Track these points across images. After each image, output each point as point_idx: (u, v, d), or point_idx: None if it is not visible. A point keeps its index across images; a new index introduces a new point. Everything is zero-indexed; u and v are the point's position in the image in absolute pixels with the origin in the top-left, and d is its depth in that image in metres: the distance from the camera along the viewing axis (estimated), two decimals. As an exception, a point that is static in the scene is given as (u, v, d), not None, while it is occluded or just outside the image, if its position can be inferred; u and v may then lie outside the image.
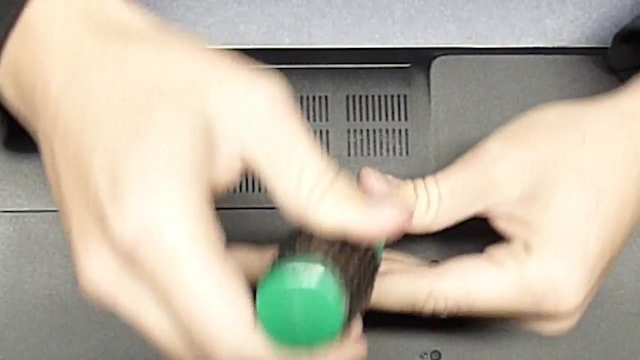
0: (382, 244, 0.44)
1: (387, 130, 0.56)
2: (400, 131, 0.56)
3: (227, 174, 0.40)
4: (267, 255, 0.46)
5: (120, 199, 0.37)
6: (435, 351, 0.55)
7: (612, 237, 0.47)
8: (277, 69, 0.56)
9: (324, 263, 0.38)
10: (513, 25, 0.58)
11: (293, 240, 0.40)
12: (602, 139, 0.47)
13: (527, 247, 0.47)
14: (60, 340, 0.55)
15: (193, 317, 0.37)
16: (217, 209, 0.55)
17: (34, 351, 0.55)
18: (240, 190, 0.55)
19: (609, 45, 0.56)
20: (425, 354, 0.56)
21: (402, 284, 0.47)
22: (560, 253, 0.46)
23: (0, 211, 0.55)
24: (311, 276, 0.38)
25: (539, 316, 0.47)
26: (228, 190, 0.41)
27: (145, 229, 0.37)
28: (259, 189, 0.55)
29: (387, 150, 0.56)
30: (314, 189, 0.39)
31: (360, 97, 0.56)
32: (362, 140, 0.56)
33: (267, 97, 0.39)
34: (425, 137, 0.56)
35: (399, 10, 0.58)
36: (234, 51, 0.56)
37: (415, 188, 0.47)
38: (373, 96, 0.56)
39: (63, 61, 0.40)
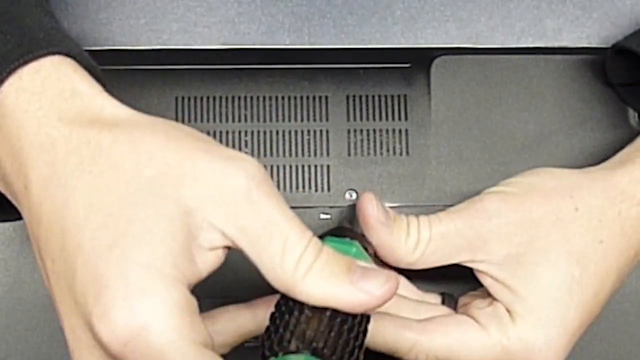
0: None
1: (387, 130, 0.56)
2: (400, 131, 0.56)
3: (210, 257, 0.40)
4: (259, 311, 0.47)
5: (104, 304, 0.37)
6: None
7: (591, 308, 0.49)
8: (277, 69, 0.56)
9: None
10: (513, 25, 0.58)
11: (276, 326, 0.41)
12: (592, 215, 0.49)
13: (511, 313, 0.48)
14: (60, 340, 0.54)
15: None
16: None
17: (34, 351, 0.54)
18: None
19: (609, 46, 0.56)
20: (426, 353, 0.56)
21: (387, 331, 0.48)
22: (542, 322, 0.48)
23: (0, 211, 0.55)
24: None
25: None
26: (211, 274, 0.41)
27: (131, 332, 0.37)
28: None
29: (387, 150, 0.56)
30: (298, 264, 0.39)
31: (360, 97, 0.56)
32: (362, 140, 0.56)
33: (243, 179, 0.39)
34: (425, 137, 0.56)
35: (399, 10, 0.58)
36: (234, 51, 0.56)
37: (408, 225, 0.49)
38: (373, 96, 0.56)
39: (39, 152, 0.40)
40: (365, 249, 0.47)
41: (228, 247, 0.41)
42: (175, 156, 0.39)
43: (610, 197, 0.49)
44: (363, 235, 0.49)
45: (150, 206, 0.38)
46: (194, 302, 0.39)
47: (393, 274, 0.40)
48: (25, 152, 0.40)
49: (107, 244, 0.38)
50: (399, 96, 0.56)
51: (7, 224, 0.55)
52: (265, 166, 0.55)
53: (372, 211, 0.48)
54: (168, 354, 0.37)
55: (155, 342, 0.37)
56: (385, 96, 0.56)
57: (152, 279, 0.38)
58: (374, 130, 0.56)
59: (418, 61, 0.56)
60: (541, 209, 0.49)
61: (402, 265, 0.49)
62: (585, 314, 0.48)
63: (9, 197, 0.43)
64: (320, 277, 0.39)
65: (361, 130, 0.56)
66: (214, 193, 0.39)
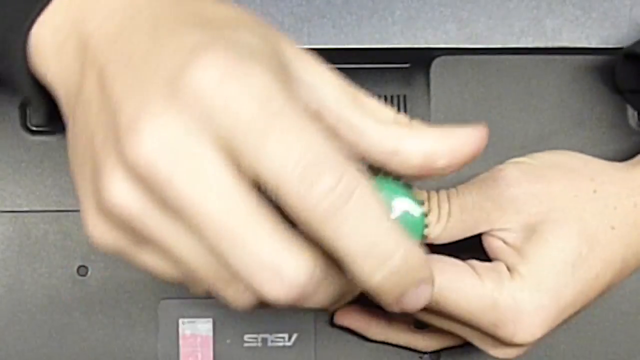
0: None
1: (387, 130, 0.56)
2: (400, 131, 0.56)
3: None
4: None
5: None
6: (435, 351, 0.56)
7: (588, 290, 0.48)
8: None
9: None
10: (513, 25, 0.58)
11: None
12: (609, 201, 0.49)
13: (512, 273, 0.48)
14: (60, 340, 0.55)
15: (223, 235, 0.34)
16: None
17: (34, 351, 0.55)
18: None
19: (608, 46, 0.56)
20: (425, 353, 0.56)
21: None
22: (539, 288, 0.47)
23: (1, 211, 0.55)
24: None
25: (491, 337, 0.48)
26: None
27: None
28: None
29: (387, 150, 0.56)
30: (396, 124, 0.39)
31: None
32: (361, 140, 0.56)
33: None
34: (425, 137, 0.56)
35: (399, 10, 0.58)
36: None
37: (429, 200, 0.48)
38: (373, 96, 0.56)
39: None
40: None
41: None
42: (275, 32, 0.38)
43: (628, 187, 0.50)
44: None
45: (257, 36, 0.36)
46: None
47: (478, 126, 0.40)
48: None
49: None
50: (398, 96, 0.56)
51: (7, 224, 0.55)
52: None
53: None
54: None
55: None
56: (385, 96, 0.56)
57: None
58: (374, 131, 0.56)
59: (417, 61, 0.56)
60: (560, 183, 0.49)
61: (425, 241, 0.49)
62: (581, 294, 0.48)
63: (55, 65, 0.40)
64: (416, 134, 0.38)
65: (361, 131, 0.56)
66: (308, 62, 0.38)
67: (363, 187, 0.34)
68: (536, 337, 0.47)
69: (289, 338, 0.55)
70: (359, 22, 0.58)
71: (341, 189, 0.33)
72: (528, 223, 0.48)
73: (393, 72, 0.56)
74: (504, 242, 0.49)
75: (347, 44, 0.58)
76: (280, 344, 0.55)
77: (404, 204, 0.41)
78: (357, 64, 0.56)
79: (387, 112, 0.39)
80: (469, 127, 0.39)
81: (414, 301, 0.35)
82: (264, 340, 0.55)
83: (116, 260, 0.55)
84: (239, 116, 0.34)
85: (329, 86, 0.38)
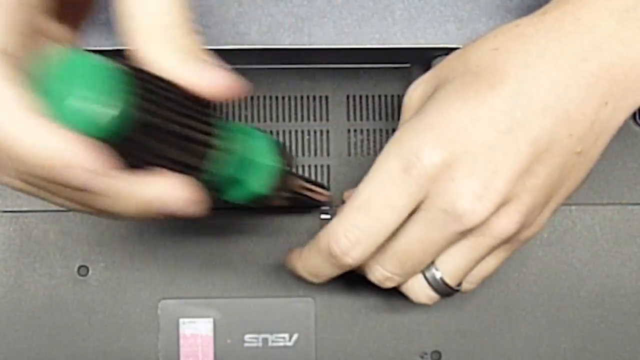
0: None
1: (387, 130, 0.56)
2: (400, 131, 0.56)
3: None
4: None
5: None
6: (436, 351, 0.56)
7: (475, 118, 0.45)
8: (277, 69, 0.56)
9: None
10: (513, 25, 0.58)
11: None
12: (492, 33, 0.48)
13: (434, 91, 0.47)
14: (61, 340, 0.55)
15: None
16: (216, 209, 0.55)
17: (34, 351, 0.55)
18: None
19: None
20: (426, 353, 0.56)
21: None
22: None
23: (1, 211, 0.55)
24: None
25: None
26: None
27: None
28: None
29: (387, 150, 0.56)
30: (166, 29, 0.39)
31: (360, 97, 0.56)
32: (362, 140, 0.56)
33: None
34: (425, 137, 0.56)
35: (399, 10, 0.58)
36: (234, 51, 0.56)
37: None
38: (373, 96, 0.56)
39: None
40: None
41: None
42: None
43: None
44: None
45: None
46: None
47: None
48: None
49: None
50: (399, 96, 0.56)
51: (7, 224, 0.55)
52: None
53: None
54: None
55: None
56: (385, 96, 0.56)
57: None
58: (374, 130, 0.56)
59: (418, 61, 0.56)
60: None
61: None
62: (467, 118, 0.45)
63: None
64: (177, 50, 0.39)
65: (361, 130, 0.56)
66: None
67: None
68: (434, 161, 0.45)
69: (290, 338, 0.55)
70: (359, 22, 0.58)
71: None
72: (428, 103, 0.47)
73: (393, 72, 0.57)
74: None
75: (347, 44, 0.58)
76: (281, 344, 0.55)
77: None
78: (357, 64, 0.56)
79: None
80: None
81: None
82: (265, 340, 0.55)
83: (117, 260, 0.55)
84: None
85: None
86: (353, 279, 0.52)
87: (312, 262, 0.49)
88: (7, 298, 0.55)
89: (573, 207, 0.56)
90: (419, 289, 0.49)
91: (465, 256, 0.47)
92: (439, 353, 0.56)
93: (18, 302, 0.55)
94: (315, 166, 0.56)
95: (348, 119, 0.56)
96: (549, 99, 0.45)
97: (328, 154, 0.56)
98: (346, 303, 0.55)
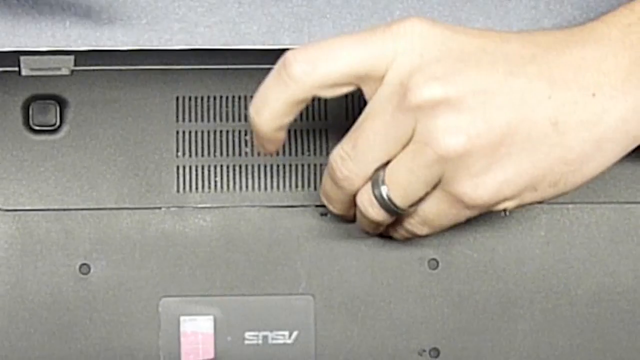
0: None
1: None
2: (399, 130, 0.56)
3: None
4: None
5: None
6: (434, 348, 0.56)
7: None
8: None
9: None
10: (511, 26, 0.58)
11: None
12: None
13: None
14: (62, 339, 0.55)
15: None
16: (214, 207, 0.55)
17: (35, 349, 0.55)
18: (241, 189, 0.56)
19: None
20: (424, 350, 0.56)
21: None
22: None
23: (3, 210, 0.55)
24: None
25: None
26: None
27: None
28: (258, 188, 0.56)
29: (387, 150, 0.56)
30: None
31: (360, 96, 0.56)
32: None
33: None
34: (424, 136, 0.56)
35: (398, 10, 0.58)
36: (234, 51, 0.57)
37: None
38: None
39: None
40: None
41: None
42: None
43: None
44: None
45: None
46: None
47: None
48: None
49: None
50: (398, 96, 0.56)
51: (9, 223, 0.55)
52: (265, 166, 0.56)
53: None
54: None
55: None
56: (385, 96, 0.56)
57: None
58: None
59: (417, 61, 0.56)
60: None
61: None
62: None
63: None
64: None
65: (360, 130, 0.56)
66: None
67: None
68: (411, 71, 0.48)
69: (290, 335, 0.55)
70: (359, 22, 0.58)
71: None
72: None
73: (392, 72, 0.57)
74: None
75: (347, 44, 0.58)
76: (281, 341, 0.55)
77: None
78: (356, 64, 0.57)
79: None
80: None
81: None
82: (265, 338, 0.55)
83: (118, 258, 0.55)
84: None
85: None
86: (353, 277, 0.52)
87: (323, 183, 0.53)
88: (8, 296, 0.55)
89: (570, 206, 0.57)
90: (369, 207, 0.50)
91: (407, 164, 0.48)
92: (437, 350, 0.56)
93: (20, 300, 0.55)
94: (315, 165, 0.56)
95: (347, 119, 0.56)
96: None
97: (328, 154, 0.56)
98: (345, 300, 0.55)
